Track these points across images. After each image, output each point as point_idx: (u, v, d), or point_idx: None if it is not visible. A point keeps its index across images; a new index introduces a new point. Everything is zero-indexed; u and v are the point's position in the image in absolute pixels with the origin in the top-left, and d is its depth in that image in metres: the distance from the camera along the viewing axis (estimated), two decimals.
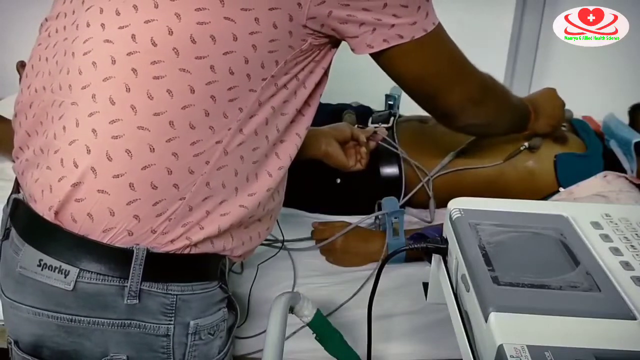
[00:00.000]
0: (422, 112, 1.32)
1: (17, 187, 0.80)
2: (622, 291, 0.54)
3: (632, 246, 0.61)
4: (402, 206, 1.17)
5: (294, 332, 0.92)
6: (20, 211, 0.75)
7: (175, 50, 0.66)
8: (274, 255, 1.09)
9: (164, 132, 0.67)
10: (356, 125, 1.23)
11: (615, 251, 0.60)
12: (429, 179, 1.22)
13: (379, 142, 1.18)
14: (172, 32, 0.66)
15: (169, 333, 0.72)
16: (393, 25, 0.73)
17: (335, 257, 1.12)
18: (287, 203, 1.19)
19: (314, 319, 0.80)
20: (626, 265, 0.58)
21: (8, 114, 0.82)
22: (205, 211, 0.71)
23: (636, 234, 0.63)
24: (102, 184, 0.68)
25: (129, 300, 0.69)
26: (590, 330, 0.50)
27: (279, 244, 1.12)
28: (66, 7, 0.76)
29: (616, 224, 0.65)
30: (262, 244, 1.05)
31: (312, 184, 1.23)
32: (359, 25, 0.73)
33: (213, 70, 0.67)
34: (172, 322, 0.72)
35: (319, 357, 0.83)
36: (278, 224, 1.01)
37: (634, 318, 0.51)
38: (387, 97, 1.38)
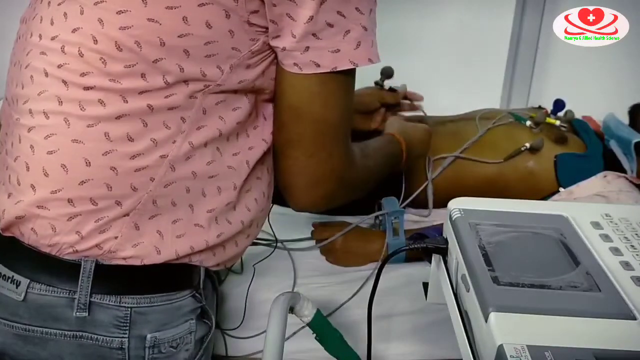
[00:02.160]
0: (421, 113, 1.32)
1: None
2: (622, 291, 0.54)
3: (632, 246, 0.61)
4: (402, 206, 1.17)
5: (294, 332, 0.92)
6: None
7: (103, 60, 0.62)
8: (268, 256, 1.08)
9: (100, 145, 0.64)
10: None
11: (615, 251, 0.60)
12: (428, 183, 1.21)
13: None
14: (96, 40, 0.62)
15: (123, 346, 0.69)
16: (307, 49, 0.63)
17: (335, 257, 1.12)
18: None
19: (314, 319, 0.80)
20: (626, 265, 0.58)
21: None
22: (157, 231, 0.67)
23: (636, 234, 0.63)
24: (41, 201, 0.66)
25: (78, 313, 0.67)
26: (590, 330, 0.50)
27: (275, 244, 1.11)
28: (28, 13, 0.73)
29: (616, 224, 0.65)
30: (261, 244, 1.05)
31: None
32: (271, 38, 0.65)
33: (145, 79, 0.62)
34: (126, 336, 0.68)
35: (319, 357, 0.83)
36: (269, 223, 1.00)
37: (634, 318, 0.51)
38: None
